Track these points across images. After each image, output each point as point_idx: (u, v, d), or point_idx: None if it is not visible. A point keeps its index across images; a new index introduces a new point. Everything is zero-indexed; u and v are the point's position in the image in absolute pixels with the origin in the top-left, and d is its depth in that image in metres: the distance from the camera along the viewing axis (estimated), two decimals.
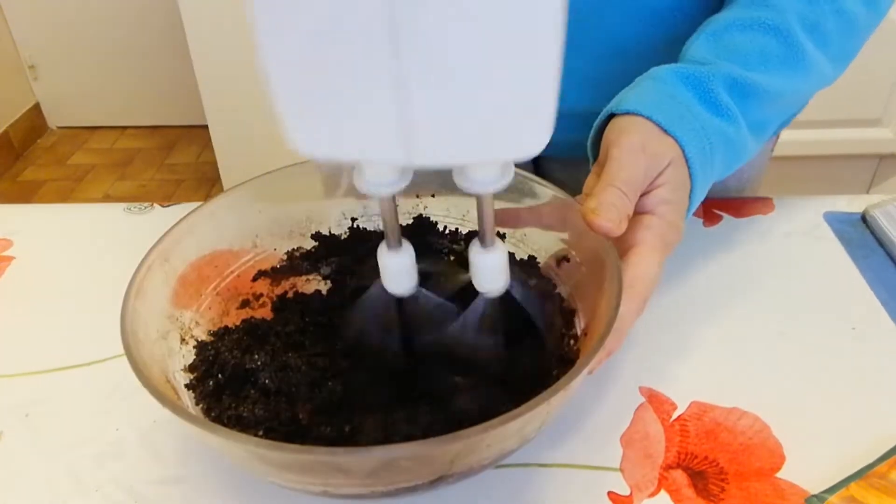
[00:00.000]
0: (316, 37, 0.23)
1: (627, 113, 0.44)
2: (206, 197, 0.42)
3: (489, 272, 0.34)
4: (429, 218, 0.49)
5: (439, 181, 0.48)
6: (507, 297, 0.35)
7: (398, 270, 0.34)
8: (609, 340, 0.35)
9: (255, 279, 0.47)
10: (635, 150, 0.42)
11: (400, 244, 0.33)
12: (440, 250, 0.48)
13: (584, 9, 0.55)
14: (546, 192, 0.45)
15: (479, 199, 0.31)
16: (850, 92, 1.57)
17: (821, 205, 0.61)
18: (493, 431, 0.30)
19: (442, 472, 0.33)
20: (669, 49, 0.50)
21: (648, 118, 0.43)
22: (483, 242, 0.33)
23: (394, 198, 0.31)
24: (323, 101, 0.25)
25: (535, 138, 0.25)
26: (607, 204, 0.39)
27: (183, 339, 0.41)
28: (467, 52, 0.23)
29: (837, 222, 0.59)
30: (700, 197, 0.45)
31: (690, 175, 0.43)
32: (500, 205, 0.46)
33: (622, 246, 0.42)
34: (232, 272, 0.46)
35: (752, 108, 0.47)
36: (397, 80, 0.23)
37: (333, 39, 0.23)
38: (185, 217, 0.42)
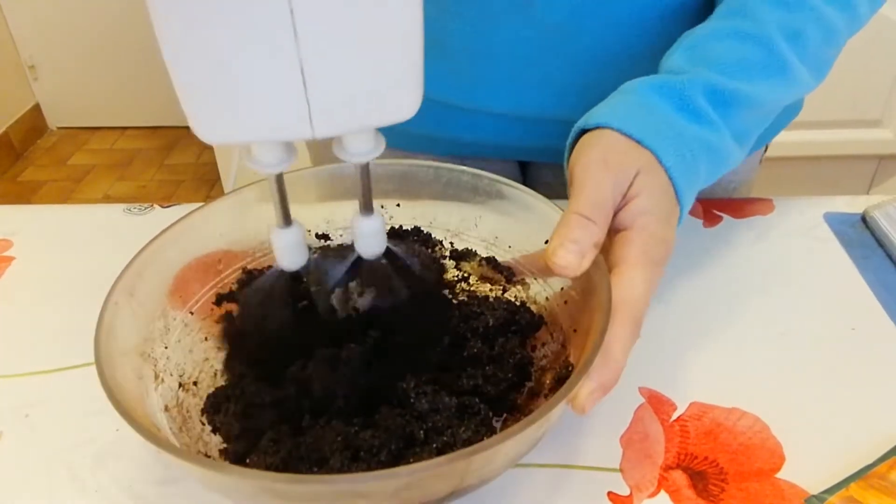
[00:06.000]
0: (220, 26, 0.26)
1: (597, 127, 0.42)
2: (206, 198, 0.41)
3: (372, 237, 0.36)
4: (401, 226, 0.48)
5: (404, 190, 0.48)
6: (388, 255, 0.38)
7: (290, 246, 0.36)
8: (601, 374, 0.35)
9: (217, 304, 0.45)
10: (597, 167, 0.40)
11: (290, 222, 0.35)
12: (430, 256, 0.48)
13: (562, 17, 0.55)
14: (531, 199, 0.44)
15: (359, 170, 0.34)
16: (850, 92, 1.57)
17: (821, 205, 0.61)
18: (513, 438, 0.30)
19: (454, 487, 0.33)
20: (654, 58, 0.49)
21: (618, 130, 0.41)
22: (363, 210, 0.36)
23: (281, 176, 0.33)
24: (228, 88, 0.27)
25: (409, 105, 0.30)
26: (567, 241, 0.37)
27: (157, 377, 0.40)
28: (351, 32, 0.27)
29: (837, 223, 0.59)
30: (687, 206, 0.43)
31: (673, 184, 0.41)
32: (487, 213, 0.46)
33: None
34: (197, 301, 0.44)
35: (736, 116, 0.45)
36: (297, 59, 0.27)
37: (236, 26, 0.26)
38: (143, 249, 0.41)
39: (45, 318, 0.52)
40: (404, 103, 0.30)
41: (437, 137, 0.64)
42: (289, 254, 0.36)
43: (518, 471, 0.40)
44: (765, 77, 0.46)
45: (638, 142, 0.41)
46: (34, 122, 2.61)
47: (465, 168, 0.46)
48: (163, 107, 2.61)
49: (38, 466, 0.41)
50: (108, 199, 2.30)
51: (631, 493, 0.39)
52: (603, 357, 0.35)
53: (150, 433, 0.31)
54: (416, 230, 0.48)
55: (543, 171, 0.71)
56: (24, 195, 2.33)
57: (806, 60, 0.47)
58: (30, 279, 0.56)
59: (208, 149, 2.21)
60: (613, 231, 0.40)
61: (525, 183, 0.52)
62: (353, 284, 0.39)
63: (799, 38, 0.47)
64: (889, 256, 0.55)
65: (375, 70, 0.28)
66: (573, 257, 0.37)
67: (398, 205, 0.48)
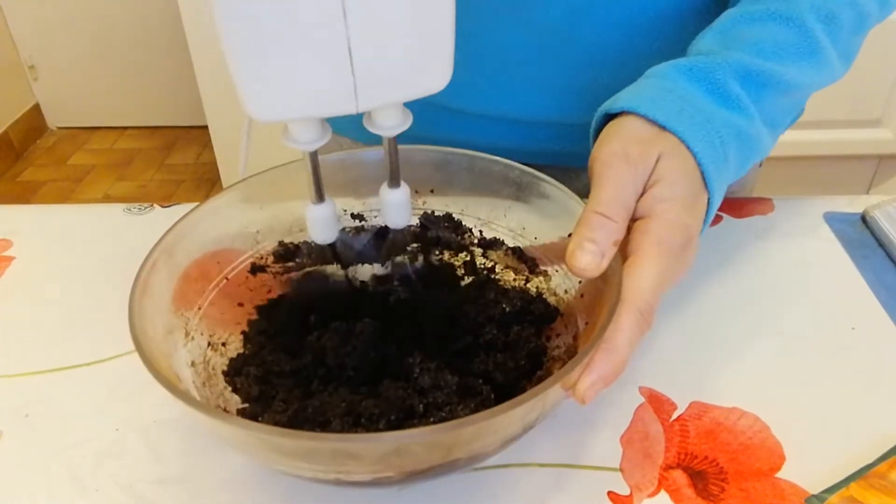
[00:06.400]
0: (273, 7, 0.28)
1: (621, 112, 0.42)
2: (206, 197, 0.43)
3: (398, 207, 0.39)
4: (433, 211, 0.49)
5: (439, 177, 0.48)
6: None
7: (322, 221, 0.39)
8: (603, 365, 0.35)
9: (252, 273, 0.47)
10: (618, 160, 0.39)
11: (323, 198, 0.38)
12: (448, 243, 0.49)
13: (557, 19, 0.55)
14: (559, 193, 0.45)
15: (387, 144, 0.36)
16: (850, 92, 1.57)
17: (821, 205, 0.61)
18: (501, 417, 0.31)
19: (443, 459, 0.34)
20: (652, 60, 0.48)
21: (643, 116, 0.40)
22: (391, 183, 0.38)
23: (316, 153, 0.36)
24: (278, 67, 0.29)
25: (442, 76, 0.33)
26: (585, 242, 0.37)
27: (188, 334, 0.41)
28: (394, 9, 0.29)
29: (837, 222, 0.59)
30: (717, 194, 0.42)
31: (702, 170, 0.40)
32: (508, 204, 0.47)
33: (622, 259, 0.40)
34: (233, 268, 0.46)
35: (767, 99, 0.44)
36: (346, 37, 0.29)
37: (288, 7, 0.28)
38: (187, 214, 0.42)
39: (45, 318, 0.52)
40: (438, 75, 0.32)
41: (434, 140, 0.64)
42: (321, 229, 0.39)
43: (518, 470, 0.40)
44: (796, 59, 0.44)
45: (662, 127, 0.40)
46: (34, 122, 2.61)
47: (497, 158, 0.46)
48: (163, 107, 2.61)
49: (38, 466, 0.41)
50: (108, 198, 2.30)
51: (631, 493, 0.39)
52: (605, 348, 0.35)
53: (169, 382, 0.33)
54: (448, 216, 0.49)
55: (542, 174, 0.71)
56: (24, 195, 2.33)
57: (838, 45, 0.46)
58: (30, 279, 0.56)
59: (208, 148, 2.21)
60: (632, 219, 0.39)
61: None
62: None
63: (833, 21, 0.46)
64: (889, 256, 0.55)
65: (414, 44, 0.31)
66: (592, 258, 0.36)
67: (432, 190, 0.49)
